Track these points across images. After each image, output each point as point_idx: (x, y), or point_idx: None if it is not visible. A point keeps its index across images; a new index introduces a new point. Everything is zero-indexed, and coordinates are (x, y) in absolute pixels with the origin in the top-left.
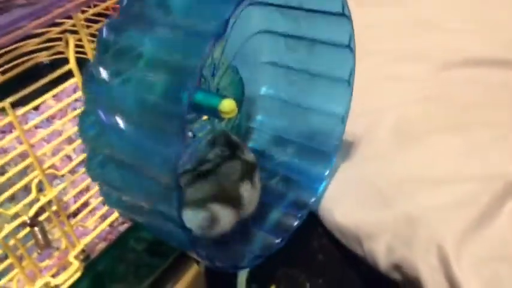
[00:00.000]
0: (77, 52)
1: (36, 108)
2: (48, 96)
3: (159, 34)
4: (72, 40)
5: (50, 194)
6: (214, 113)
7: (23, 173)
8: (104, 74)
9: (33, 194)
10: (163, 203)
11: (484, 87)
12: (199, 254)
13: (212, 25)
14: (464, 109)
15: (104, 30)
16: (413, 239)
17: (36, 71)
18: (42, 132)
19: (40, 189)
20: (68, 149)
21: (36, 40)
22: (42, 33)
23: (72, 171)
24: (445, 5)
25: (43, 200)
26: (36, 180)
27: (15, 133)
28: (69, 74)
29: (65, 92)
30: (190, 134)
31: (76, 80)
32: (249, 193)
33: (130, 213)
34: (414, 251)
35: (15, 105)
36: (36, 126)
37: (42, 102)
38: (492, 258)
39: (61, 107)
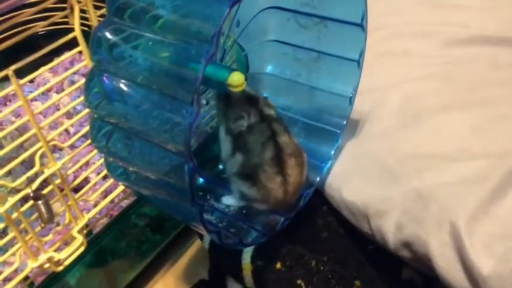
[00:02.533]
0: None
1: (31, 80)
2: (45, 68)
3: None
4: (77, 6)
5: (54, 166)
6: (223, 85)
7: (20, 147)
8: (113, 38)
9: (36, 167)
10: (174, 175)
11: (491, 65)
12: (207, 229)
13: None
14: (472, 87)
15: None
16: (423, 215)
17: (32, 42)
18: (43, 106)
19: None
20: (68, 123)
21: (34, 9)
22: (40, 2)
23: (72, 146)
24: None
25: (47, 172)
26: (39, 152)
27: (16, 104)
28: (66, 46)
29: (62, 65)
30: (204, 101)
31: (74, 51)
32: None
33: (136, 186)
34: (425, 227)
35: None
36: (32, 99)
37: (38, 75)
38: (504, 235)
39: (59, 80)
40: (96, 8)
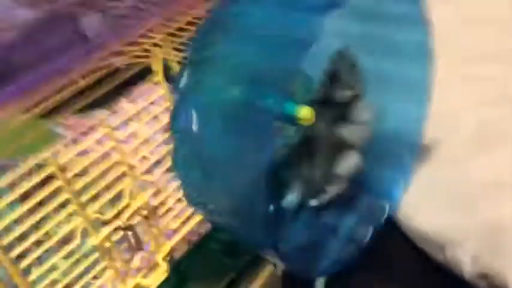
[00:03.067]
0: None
1: (113, 112)
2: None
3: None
4: (160, 53)
5: (140, 199)
6: (291, 119)
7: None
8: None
9: (126, 200)
10: (249, 206)
11: None
12: (279, 257)
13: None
14: None
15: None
16: (500, 246)
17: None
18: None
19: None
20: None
21: (124, 57)
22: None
23: (150, 172)
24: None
25: (135, 205)
26: (129, 188)
27: (110, 143)
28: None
29: (140, 96)
30: None
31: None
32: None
33: (210, 214)
34: (502, 259)
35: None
36: (114, 129)
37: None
38: None
39: (139, 109)
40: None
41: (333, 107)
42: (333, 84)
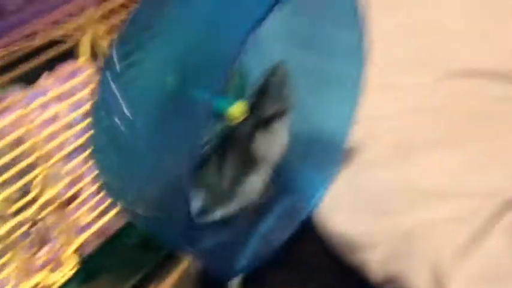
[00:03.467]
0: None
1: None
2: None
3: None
4: (86, 36)
5: (51, 191)
6: (222, 115)
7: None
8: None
9: (35, 192)
10: (172, 198)
11: (484, 100)
12: (195, 254)
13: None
14: (464, 122)
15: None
16: (409, 252)
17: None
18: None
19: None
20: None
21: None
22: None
23: (67, 161)
24: (451, 11)
25: (45, 197)
26: (39, 178)
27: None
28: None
29: (62, 77)
30: None
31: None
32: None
33: (131, 208)
34: (410, 264)
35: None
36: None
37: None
38: (486, 277)
39: (62, 91)
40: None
41: (257, 119)
42: (261, 98)
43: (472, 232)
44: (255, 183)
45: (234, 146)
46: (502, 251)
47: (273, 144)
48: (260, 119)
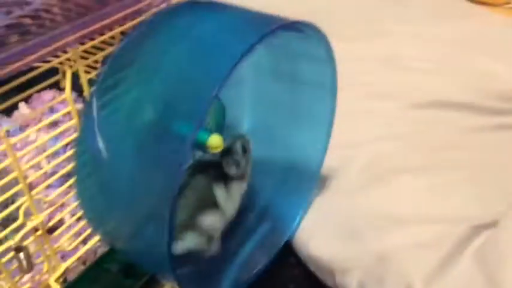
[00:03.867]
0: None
1: (9, 115)
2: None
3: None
4: (69, 71)
5: (37, 219)
6: (201, 147)
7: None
8: (95, 105)
9: (20, 220)
10: (151, 230)
11: (451, 129)
12: (176, 281)
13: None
14: (432, 149)
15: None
16: (383, 276)
17: None
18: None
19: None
20: (48, 166)
21: (34, 72)
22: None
23: (48, 187)
24: (418, 44)
25: (30, 225)
26: (24, 206)
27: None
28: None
29: (40, 102)
30: None
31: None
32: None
33: (110, 237)
34: (384, 287)
35: None
36: (9, 134)
37: (16, 110)
38: None
39: (36, 115)
40: (87, 72)
41: (220, 171)
42: (225, 157)
43: (441, 258)
44: (213, 222)
45: (194, 186)
46: (471, 276)
47: (228, 200)
48: (221, 174)
